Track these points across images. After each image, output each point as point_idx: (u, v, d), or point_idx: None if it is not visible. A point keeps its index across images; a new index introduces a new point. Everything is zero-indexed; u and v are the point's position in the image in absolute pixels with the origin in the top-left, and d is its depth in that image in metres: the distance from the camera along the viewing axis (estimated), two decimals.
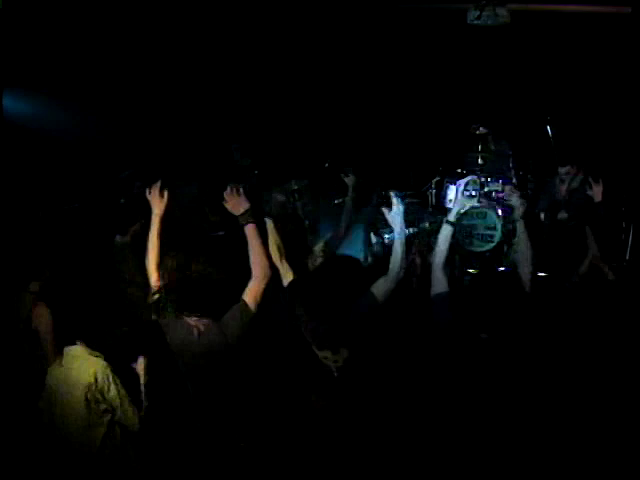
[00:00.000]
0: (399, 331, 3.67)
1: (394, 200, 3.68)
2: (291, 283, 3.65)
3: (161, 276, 3.36)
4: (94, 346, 3.57)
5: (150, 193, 3.48)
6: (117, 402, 3.49)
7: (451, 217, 3.68)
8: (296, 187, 6.02)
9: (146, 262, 3.46)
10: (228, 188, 3.32)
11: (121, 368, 3.62)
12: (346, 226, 4.85)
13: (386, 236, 5.95)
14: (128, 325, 3.99)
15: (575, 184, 6.14)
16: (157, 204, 3.44)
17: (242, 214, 3.29)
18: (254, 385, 3.40)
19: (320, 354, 3.49)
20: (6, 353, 4.09)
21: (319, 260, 4.46)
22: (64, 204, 6.30)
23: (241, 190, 3.32)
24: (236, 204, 3.31)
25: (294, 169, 6.71)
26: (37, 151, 6.49)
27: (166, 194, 3.43)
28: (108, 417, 3.49)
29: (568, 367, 3.48)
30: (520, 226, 3.75)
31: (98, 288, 4.43)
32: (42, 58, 6.41)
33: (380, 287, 3.50)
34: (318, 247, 4.68)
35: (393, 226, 3.66)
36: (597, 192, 4.90)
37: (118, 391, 3.50)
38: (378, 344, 3.47)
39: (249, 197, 3.36)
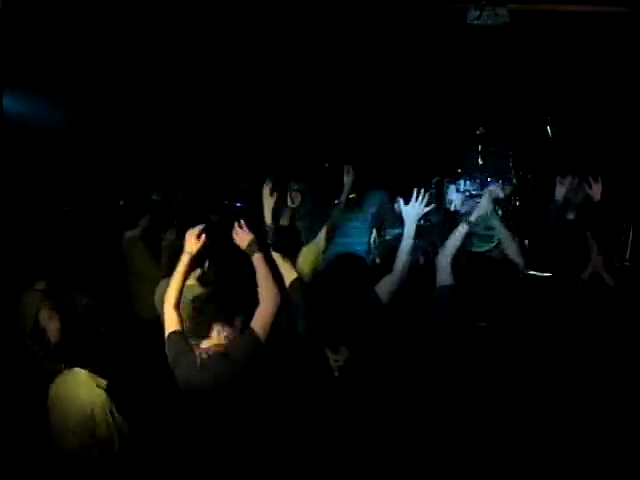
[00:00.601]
0: (402, 330, 3.66)
1: (414, 196, 3.66)
2: (292, 282, 3.65)
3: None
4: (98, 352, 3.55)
5: (189, 233, 3.45)
6: (112, 439, 3.38)
7: (473, 217, 3.70)
8: (296, 188, 6.02)
9: (165, 299, 3.42)
10: (235, 225, 3.39)
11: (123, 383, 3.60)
12: (333, 222, 4.84)
13: (390, 232, 5.92)
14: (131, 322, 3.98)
15: (581, 194, 6.10)
16: (191, 244, 3.41)
17: (248, 245, 3.35)
18: (259, 394, 3.37)
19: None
20: (12, 351, 4.08)
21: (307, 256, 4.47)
22: (64, 204, 6.31)
23: (242, 222, 3.39)
24: (242, 239, 3.38)
25: (294, 170, 6.70)
26: (37, 151, 6.49)
27: (203, 237, 3.42)
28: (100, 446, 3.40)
29: (567, 364, 3.49)
30: (491, 211, 3.88)
31: (102, 286, 4.43)
32: (42, 58, 6.41)
33: (384, 287, 3.48)
34: (307, 246, 4.69)
35: (405, 220, 3.62)
36: (596, 191, 4.91)
37: (111, 427, 3.36)
38: (381, 344, 3.46)
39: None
